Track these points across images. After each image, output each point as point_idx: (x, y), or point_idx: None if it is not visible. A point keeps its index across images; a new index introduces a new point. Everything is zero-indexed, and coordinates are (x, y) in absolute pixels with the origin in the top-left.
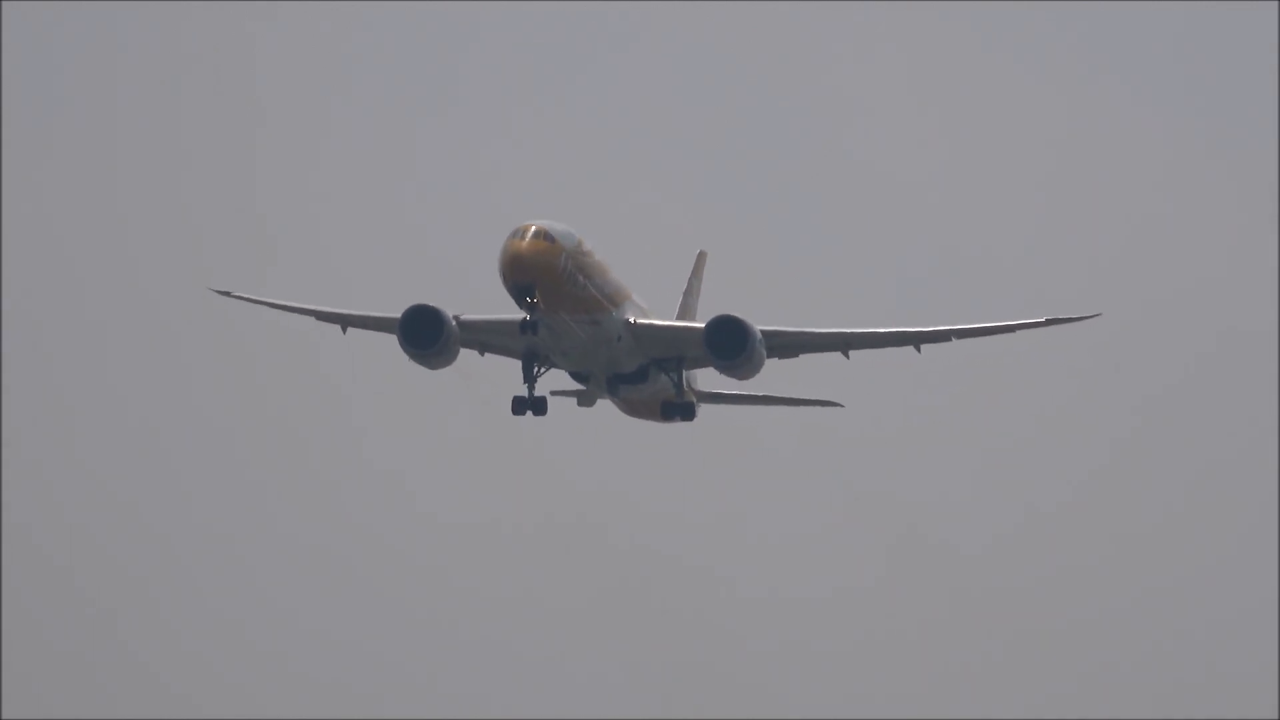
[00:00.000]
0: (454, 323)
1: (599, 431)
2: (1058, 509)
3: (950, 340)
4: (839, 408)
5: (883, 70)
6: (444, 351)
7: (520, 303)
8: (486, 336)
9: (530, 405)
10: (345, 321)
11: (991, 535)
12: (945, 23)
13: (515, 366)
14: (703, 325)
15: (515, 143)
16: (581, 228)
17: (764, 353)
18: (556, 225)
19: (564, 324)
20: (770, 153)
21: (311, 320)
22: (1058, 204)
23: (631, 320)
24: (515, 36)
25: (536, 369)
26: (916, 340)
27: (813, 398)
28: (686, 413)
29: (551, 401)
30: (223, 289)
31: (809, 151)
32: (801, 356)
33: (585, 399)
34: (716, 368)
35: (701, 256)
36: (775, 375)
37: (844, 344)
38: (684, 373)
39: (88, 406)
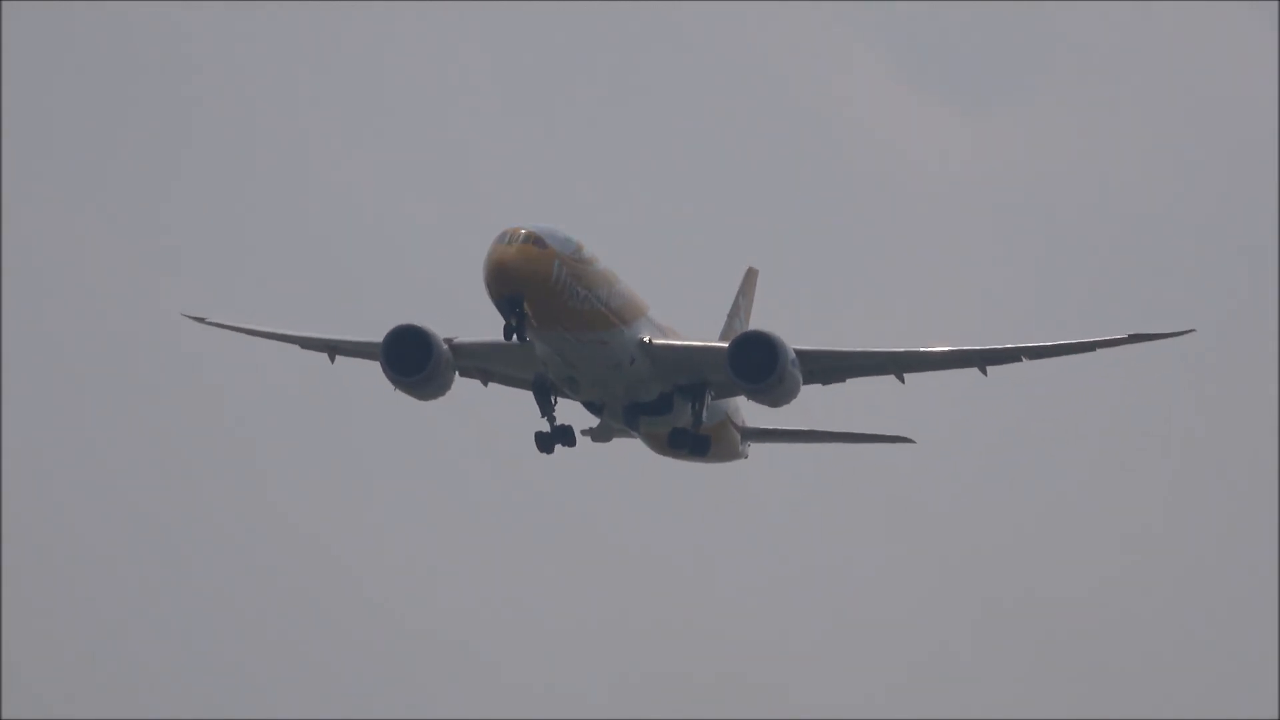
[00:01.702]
0: (445, 346)
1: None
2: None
3: (1020, 360)
4: (910, 444)
5: (926, 76)
6: (434, 378)
7: (508, 318)
8: (487, 362)
9: (556, 437)
10: (333, 349)
11: (1087, 587)
12: (981, 29)
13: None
14: (726, 345)
15: (527, 153)
16: (608, 243)
17: (798, 375)
18: (550, 228)
19: (564, 343)
20: (815, 162)
21: (295, 348)
22: (1116, 215)
23: (646, 340)
24: (519, 38)
25: (553, 398)
26: (982, 361)
27: (878, 433)
28: (699, 447)
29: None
30: (196, 314)
31: (854, 161)
32: (850, 382)
33: (601, 433)
34: (744, 393)
35: (751, 274)
36: (826, 404)
37: (897, 366)
38: (724, 404)
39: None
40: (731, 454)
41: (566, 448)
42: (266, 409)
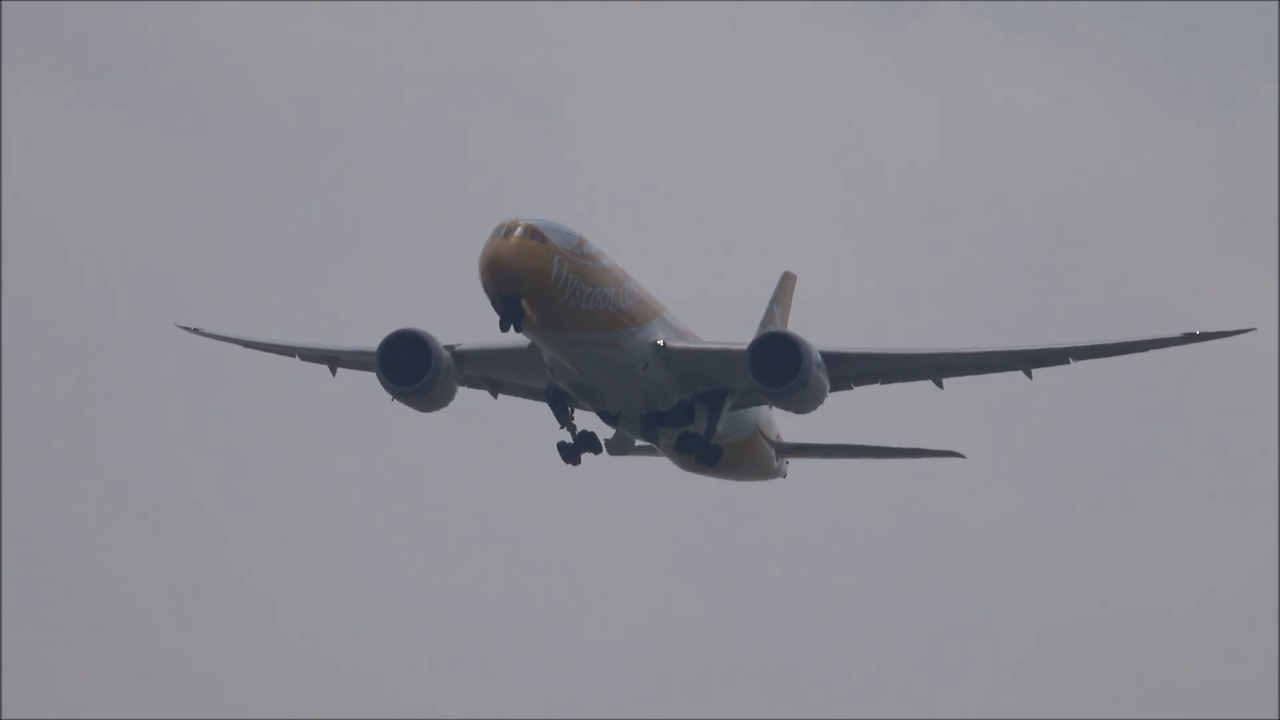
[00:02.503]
0: (446, 353)
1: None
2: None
3: (1069, 362)
4: (959, 459)
5: (962, 77)
6: (433, 387)
7: (505, 316)
8: (493, 370)
9: (581, 444)
10: (333, 360)
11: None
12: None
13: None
14: (745, 346)
15: (552, 152)
16: (631, 241)
17: (825, 380)
18: (550, 221)
19: (569, 346)
20: (850, 164)
21: (294, 360)
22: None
23: (660, 342)
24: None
25: (570, 408)
26: (1027, 362)
27: (923, 447)
28: (707, 456)
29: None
30: (190, 325)
31: (890, 162)
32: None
33: (618, 445)
34: (766, 398)
35: (788, 279)
36: (862, 410)
37: (933, 369)
38: (754, 415)
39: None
40: (765, 470)
41: (596, 455)
42: (267, 423)
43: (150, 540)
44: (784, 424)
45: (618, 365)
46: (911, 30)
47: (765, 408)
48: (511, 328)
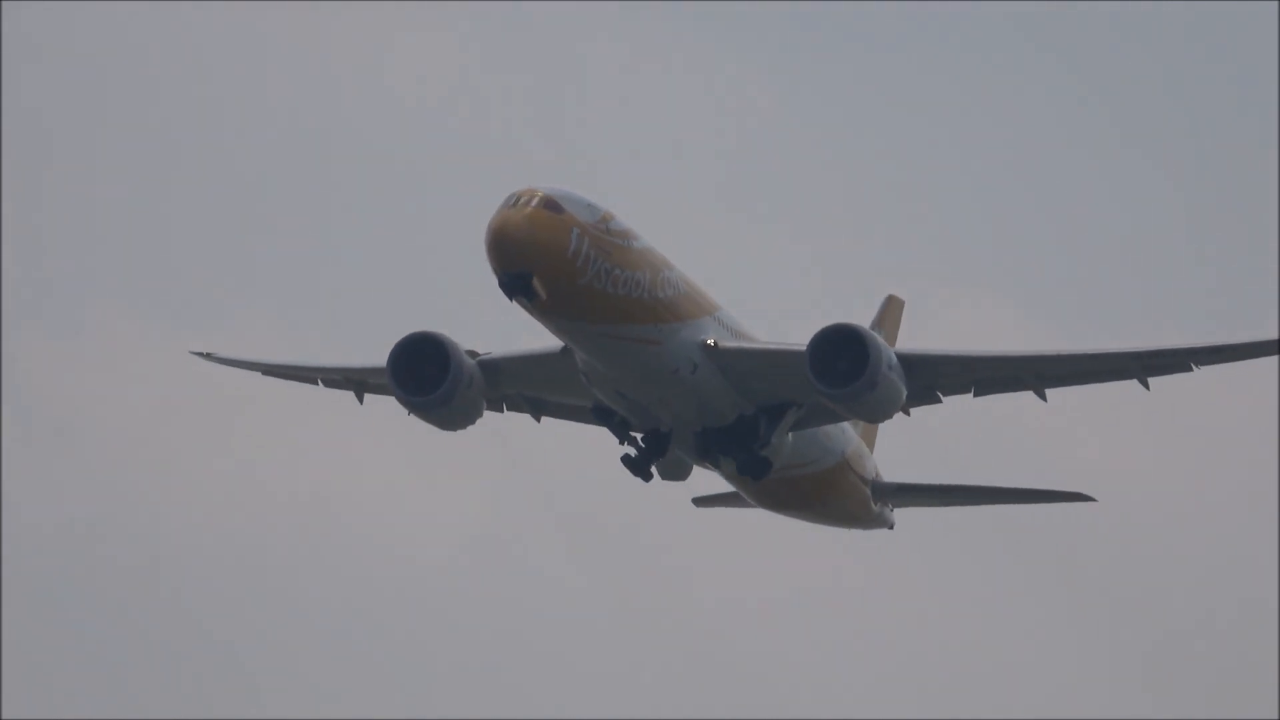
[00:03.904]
0: (469, 360)
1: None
2: None
3: (1191, 369)
4: (1090, 502)
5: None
6: (452, 399)
7: (512, 297)
8: (528, 383)
9: (650, 452)
10: (359, 385)
11: None
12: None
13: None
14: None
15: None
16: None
17: (899, 383)
18: (570, 192)
19: (596, 341)
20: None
21: (316, 387)
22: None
23: (710, 342)
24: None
25: (620, 419)
26: (1146, 367)
27: (1049, 488)
28: (756, 468)
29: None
30: (203, 350)
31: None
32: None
33: (670, 468)
34: (829, 401)
35: (893, 304)
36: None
37: (1034, 376)
38: (838, 441)
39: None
40: (860, 513)
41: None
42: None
43: (151, 540)
44: (887, 467)
45: (659, 368)
46: None
47: (854, 437)
48: (519, 301)
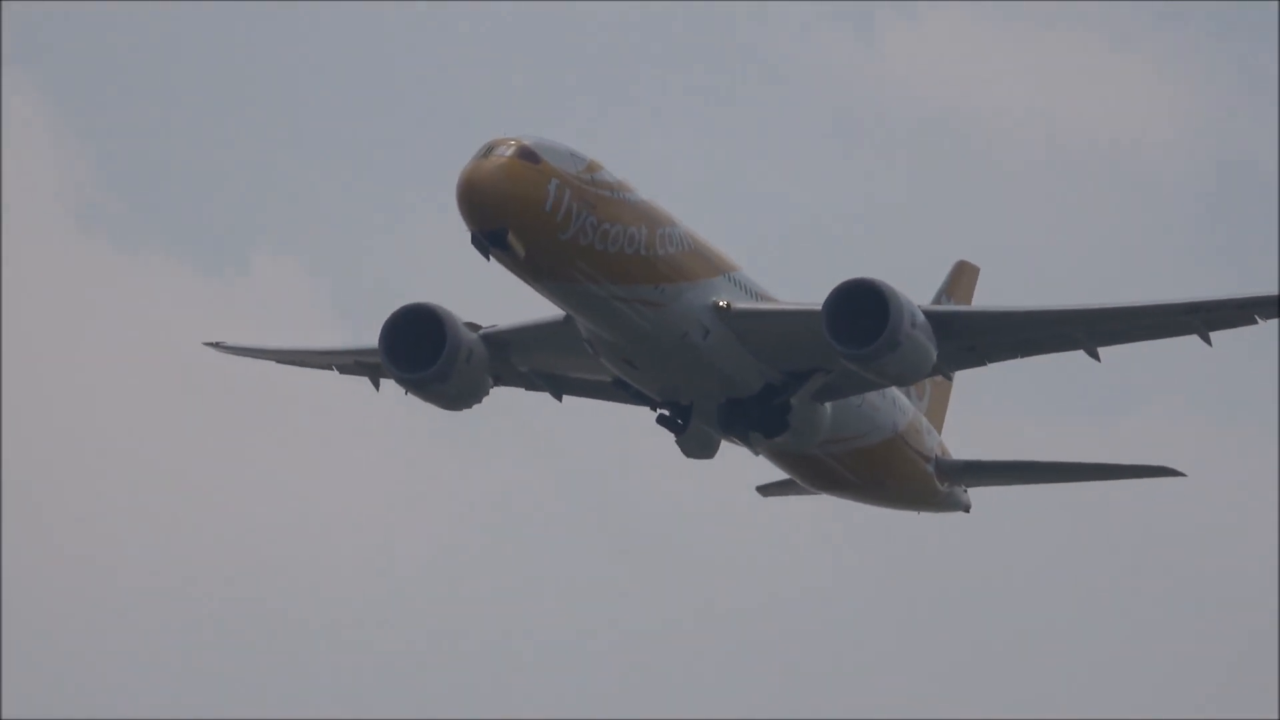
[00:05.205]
0: (470, 334)
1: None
2: None
3: (1255, 322)
4: (1180, 477)
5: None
6: (449, 375)
7: (487, 255)
8: (541, 360)
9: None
10: (375, 370)
11: None
12: None
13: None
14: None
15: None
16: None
17: (927, 344)
18: (550, 141)
19: (591, 304)
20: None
21: (332, 374)
22: None
23: (723, 304)
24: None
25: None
26: (1206, 320)
27: (1137, 464)
28: (769, 424)
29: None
30: (212, 340)
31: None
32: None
33: (693, 443)
34: (848, 363)
35: (965, 270)
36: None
37: (1083, 333)
38: (890, 414)
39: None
40: (924, 493)
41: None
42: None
43: (152, 541)
44: (956, 443)
45: (665, 333)
46: None
47: (910, 409)
48: (499, 259)
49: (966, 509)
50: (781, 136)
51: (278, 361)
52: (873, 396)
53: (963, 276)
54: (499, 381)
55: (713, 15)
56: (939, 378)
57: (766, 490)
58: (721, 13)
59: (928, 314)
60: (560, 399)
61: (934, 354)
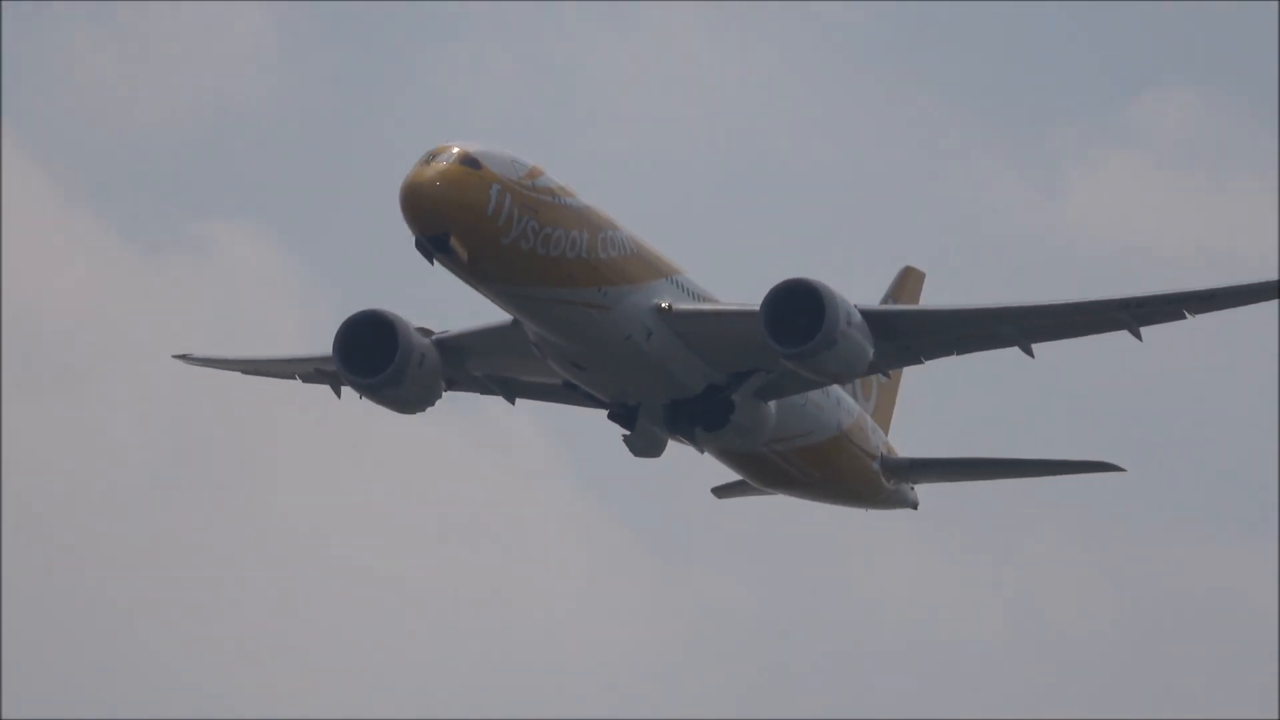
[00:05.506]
0: (421, 338)
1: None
2: None
3: (1184, 317)
4: (1120, 472)
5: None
6: (401, 379)
7: (430, 260)
8: (492, 364)
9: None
10: (335, 379)
11: None
12: None
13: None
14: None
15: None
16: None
17: (863, 343)
18: (492, 149)
19: (535, 308)
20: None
21: (295, 383)
22: None
23: (664, 305)
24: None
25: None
26: (1136, 315)
27: (1074, 459)
28: (710, 417)
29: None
30: (180, 352)
31: None
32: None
33: (640, 442)
34: (787, 360)
35: (910, 275)
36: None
37: (1016, 330)
38: (834, 412)
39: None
40: (869, 489)
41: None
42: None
43: (152, 541)
44: (904, 442)
45: (609, 335)
46: None
47: (855, 409)
48: (443, 264)
49: (914, 506)
50: None
51: (243, 372)
52: (816, 396)
53: (908, 281)
54: (453, 386)
55: None
56: (882, 377)
57: (721, 492)
58: None
59: (864, 313)
60: (514, 402)
61: (870, 352)
